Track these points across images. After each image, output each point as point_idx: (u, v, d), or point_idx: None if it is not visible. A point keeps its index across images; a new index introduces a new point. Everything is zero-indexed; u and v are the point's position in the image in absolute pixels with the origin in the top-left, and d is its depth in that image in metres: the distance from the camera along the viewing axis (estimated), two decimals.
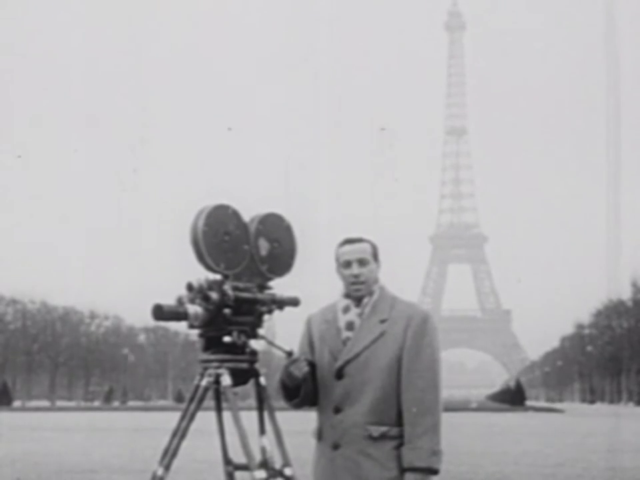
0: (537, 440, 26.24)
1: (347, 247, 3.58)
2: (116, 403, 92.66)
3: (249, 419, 3.56)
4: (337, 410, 3.49)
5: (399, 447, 3.42)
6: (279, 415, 3.66)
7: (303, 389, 3.51)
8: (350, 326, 3.56)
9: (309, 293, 3.84)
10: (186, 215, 3.61)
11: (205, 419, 4.21)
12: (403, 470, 3.40)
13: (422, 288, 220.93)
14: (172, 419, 3.70)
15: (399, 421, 3.44)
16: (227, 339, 3.52)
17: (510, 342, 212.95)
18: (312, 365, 3.55)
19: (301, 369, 3.46)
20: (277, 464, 3.57)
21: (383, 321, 3.52)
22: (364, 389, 3.46)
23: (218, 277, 3.55)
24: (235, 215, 3.63)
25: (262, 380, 3.65)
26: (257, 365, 3.62)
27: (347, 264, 3.56)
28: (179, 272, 3.73)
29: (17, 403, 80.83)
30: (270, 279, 3.69)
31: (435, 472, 3.41)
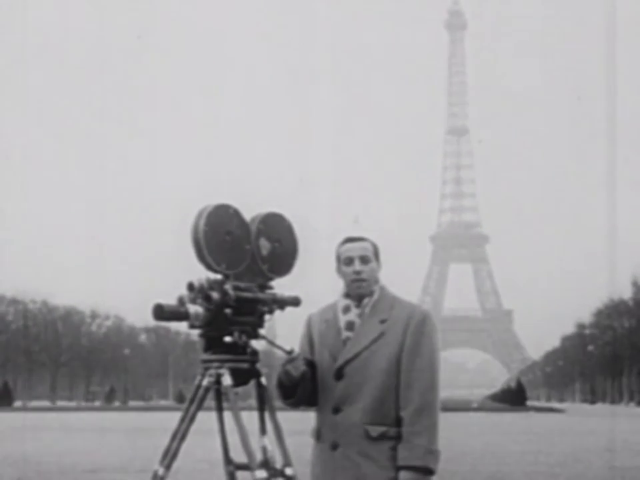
0: (537, 440, 26.22)
1: (349, 245, 3.57)
2: (117, 403, 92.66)
3: (250, 418, 3.56)
4: (336, 410, 3.48)
5: (397, 447, 3.41)
6: (280, 415, 3.66)
7: (300, 388, 3.50)
8: (350, 326, 3.55)
9: (309, 292, 3.83)
10: (187, 215, 3.61)
11: (206, 418, 4.20)
12: (398, 468, 3.38)
13: (423, 288, 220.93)
14: (173, 419, 3.69)
15: (398, 422, 3.43)
16: (227, 338, 3.52)
17: (511, 342, 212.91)
18: (311, 364, 3.54)
19: (298, 368, 3.45)
20: (278, 464, 3.57)
21: (382, 322, 3.51)
22: (363, 389, 3.45)
23: (219, 276, 3.55)
24: (236, 214, 3.63)
25: (263, 380, 3.65)
26: (258, 365, 3.62)
27: (349, 261, 3.55)
28: (180, 272, 3.72)
29: (17, 403, 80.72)
30: (271, 279, 3.69)
31: (430, 472, 3.39)
